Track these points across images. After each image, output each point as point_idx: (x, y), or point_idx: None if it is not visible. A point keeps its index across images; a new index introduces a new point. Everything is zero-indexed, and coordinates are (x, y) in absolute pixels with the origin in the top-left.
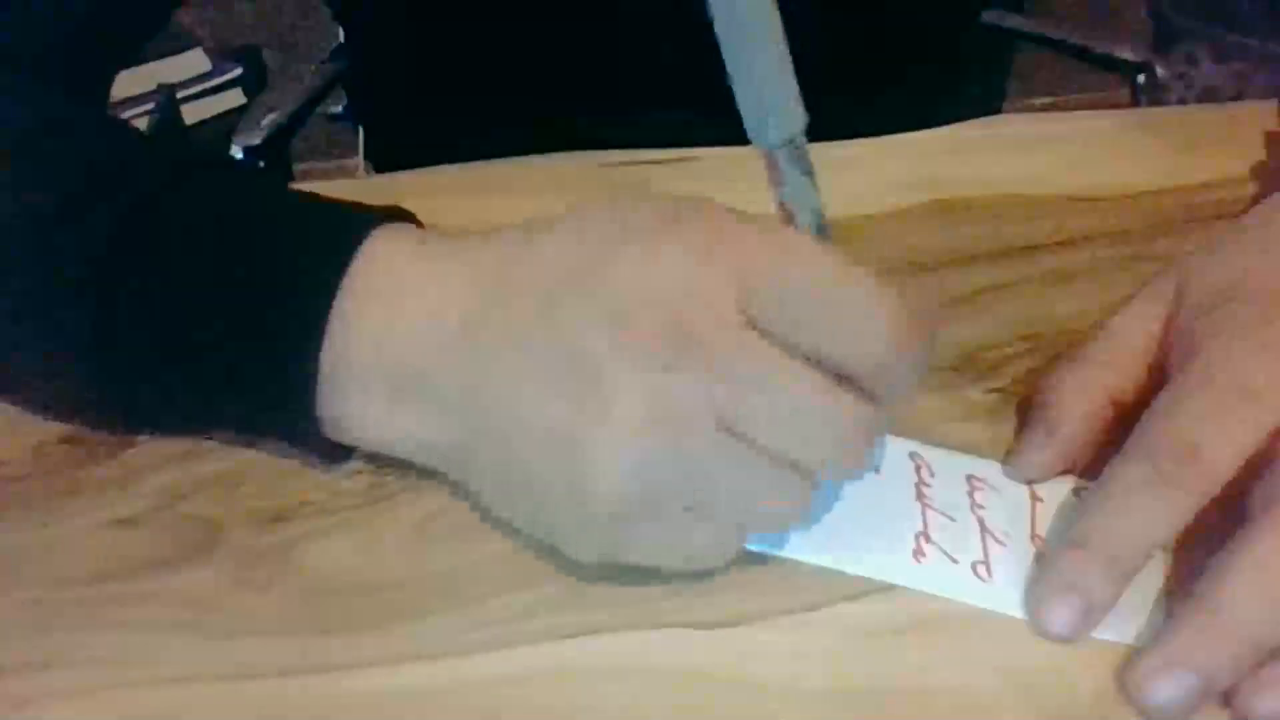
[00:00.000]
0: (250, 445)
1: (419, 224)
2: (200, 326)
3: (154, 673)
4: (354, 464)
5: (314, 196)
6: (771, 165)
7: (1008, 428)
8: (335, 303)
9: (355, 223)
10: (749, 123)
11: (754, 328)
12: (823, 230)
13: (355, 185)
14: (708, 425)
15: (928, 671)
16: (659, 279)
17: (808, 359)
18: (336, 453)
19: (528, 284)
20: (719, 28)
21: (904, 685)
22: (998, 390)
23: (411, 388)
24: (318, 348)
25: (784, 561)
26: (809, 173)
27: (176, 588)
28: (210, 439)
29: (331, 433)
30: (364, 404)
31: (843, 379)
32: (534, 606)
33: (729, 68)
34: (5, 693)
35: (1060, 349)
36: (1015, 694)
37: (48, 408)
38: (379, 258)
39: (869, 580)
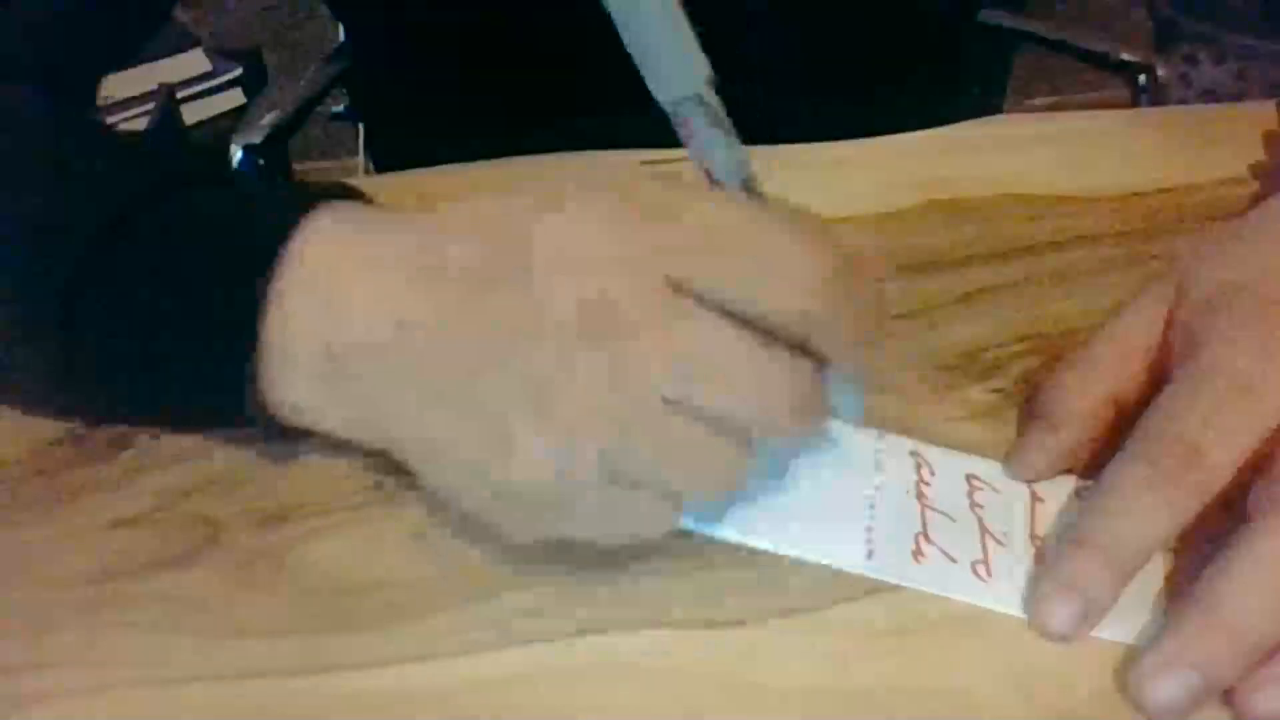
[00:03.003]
0: (231, 440)
1: (359, 196)
2: (155, 338)
3: (154, 673)
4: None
5: (254, 187)
6: (678, 124)
7: (1008, 428)
8: (270, 295)
9: (289, 208)
10: (647, 79)
11: (681, 292)
12: (748, 184)
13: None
14: (632, 400)
15: (928, 671)
16: (578, 257)
17: (739, 319)
18: (293, 435)
19: (451, 277)
20: None
21: (904, 685)
22: (998, 390)
23: (349, 373)
24: (254, 337)
25: (783, 561)
26: (721, 123)
27: (176, 588)
28: (204, 436)
29: (289, 418)
30: (311, 387)
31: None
32: (534, 606)
33: (617, 26)
34: (5, 693)
35: (1060, 349)
36: (1015, 694)
37: (14, 397)
38: (313, 243)
39: (869, 580)
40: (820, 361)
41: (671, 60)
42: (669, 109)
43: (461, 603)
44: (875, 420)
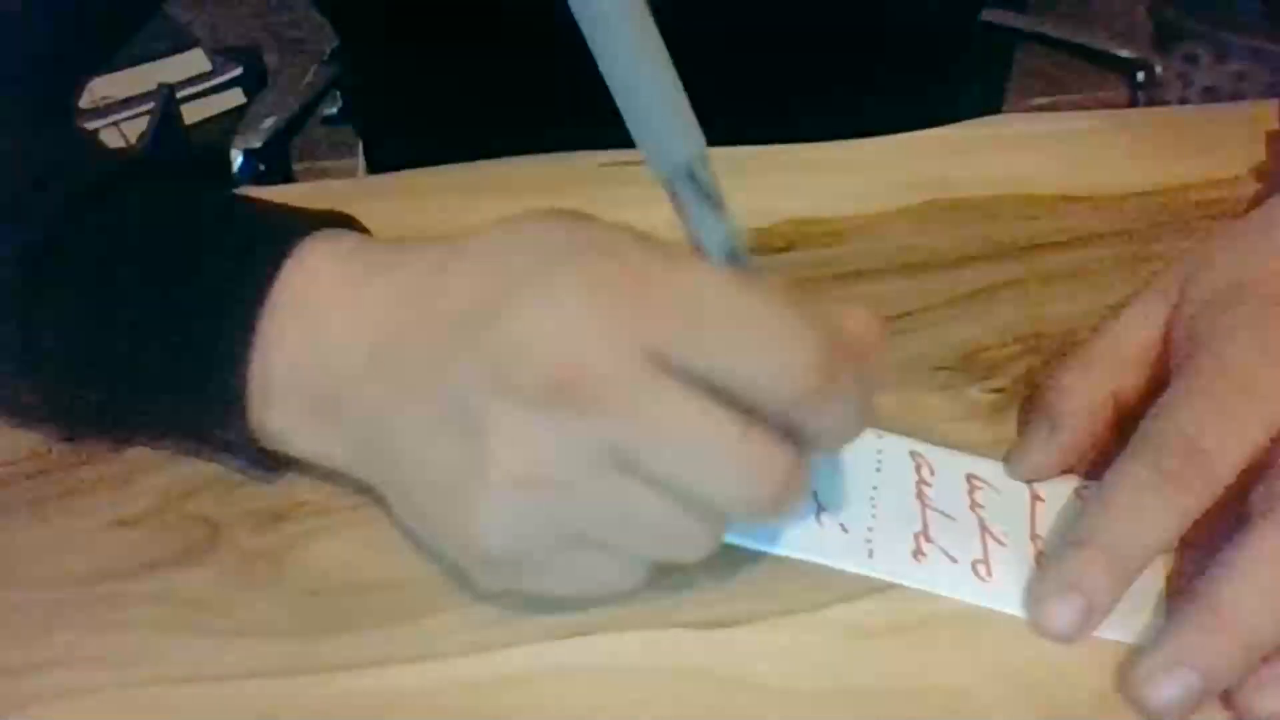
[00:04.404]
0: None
1: (358, 226)
2: (126, 340)
3: (154, 673)
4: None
5: (245, 201)
6: (670, 194)
7: (1008, 428)
8: (259, 318)
9: (283, 233)
10: (641, 149)
11: (661, 367)
12: (736, 258)
13: (355, 185)
14: (599, 471)
15: (928, 671)
16: (555, 324)
17: (721, 397)
18: (274, 461)
19: (429, 325)
20: (596, 55)
21: (904, 685)
22: (998, 390)
23: (326, 411)
24: (244, 362)
25: (783, 561)
26: (711, 197)
27: (176, 588)
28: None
29: (267, 443)
30: (287, 419)
31: (764, 419)
32: (534, 606)
33: (613, 93)
34: (5, 693)
35: (1060, 349)
36: (1015, 694)
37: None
38: (303, 272)
39: (869, 580)
40: (805, 445)
41: (665, 133)
42: (661, 179)
43: (461, 603)
44: (875, 420)
